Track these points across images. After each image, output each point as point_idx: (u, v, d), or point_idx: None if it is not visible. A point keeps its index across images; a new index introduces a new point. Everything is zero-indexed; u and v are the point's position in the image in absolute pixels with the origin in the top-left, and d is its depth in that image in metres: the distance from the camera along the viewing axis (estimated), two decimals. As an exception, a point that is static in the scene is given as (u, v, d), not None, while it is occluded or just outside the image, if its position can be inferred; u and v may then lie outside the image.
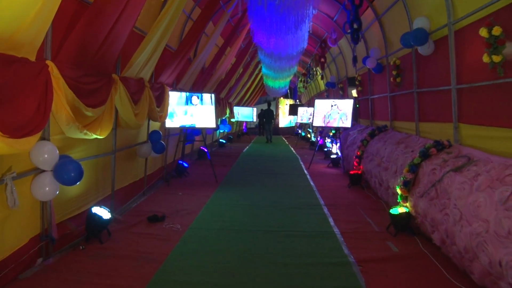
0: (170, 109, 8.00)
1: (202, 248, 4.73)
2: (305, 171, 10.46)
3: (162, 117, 7.16)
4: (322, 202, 7.05)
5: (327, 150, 13.11)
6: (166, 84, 7.54)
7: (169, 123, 8.23)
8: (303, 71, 21.28)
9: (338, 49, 12.85)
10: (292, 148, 17.25)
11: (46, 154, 3.65)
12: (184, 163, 9.32)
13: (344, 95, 13.62)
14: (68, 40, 3.89)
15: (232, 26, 11.23)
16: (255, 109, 23.28)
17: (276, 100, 33.95)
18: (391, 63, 7.54)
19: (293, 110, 25.64)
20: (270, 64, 15.96)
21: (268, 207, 6.66)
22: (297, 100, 32.50)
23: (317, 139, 16.70)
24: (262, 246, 4.85)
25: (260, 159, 13.15)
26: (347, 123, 10.23)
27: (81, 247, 4.47)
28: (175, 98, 8.23)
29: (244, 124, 25.83)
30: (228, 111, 16.91)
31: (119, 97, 5.19)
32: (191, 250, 4.65)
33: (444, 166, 4.56)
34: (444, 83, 5.55)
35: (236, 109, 21.02)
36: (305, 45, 11.78)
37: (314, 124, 11.16)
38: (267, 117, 20.58)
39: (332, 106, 10.57)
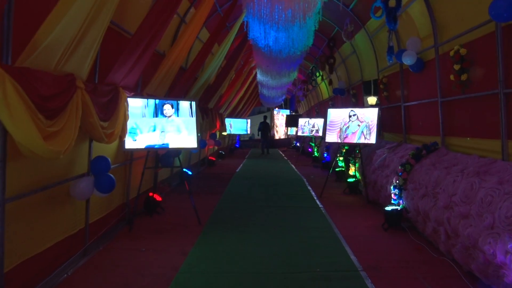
0: (130, 124, 5.58)
1: None
2: (317, 201, 8.02)
3: (112, 136, 4.69)
4: (356, 262, 4.61)
5: (339, 170, 10.72)
6: (122, 87, 5.13)
7: (130, 143, 5.79)
8: (303, 78, 18.99)
9: (352, 47, 10.54)
10: (293, 165, 14.83)
11: None
12: (155, 196, 6.86)
13: (358, 104, 11.29)
14: None
15: (221, 16, 8.89)
16: (249, 120, 20.88)
17: (271, 111, 31.76)
18: (451, 54, 5.19)
19: (291, 122, 23.51)
20: (267, 68, 13.69)
21: (278, 278, 4.19)
22: (293, 111, 30.32)
23: (322, 154, 14.34)
24: None
25: (258, 182, 10.60)
26: (372, 139, 7.86)
27: None
28: (138, 107, 5.81)
29: (237, 138, 23.39)
30: (219, 123, 14.48)
31: (6, 105, 2.78)
32: None
33: None
34: None
35: (228, 121, 18.61)
36: (311, 42, 9.52)
37: (327, 140, 8.72)
38: (264, 130, 20.47)
39: (350, 116, 8.19)
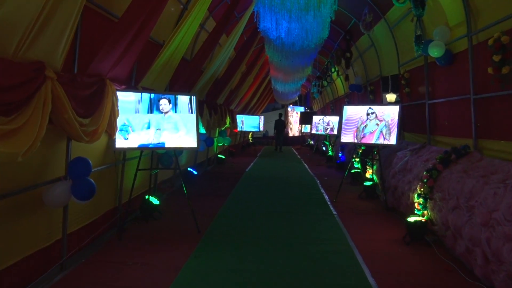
0: (121, 120, 4.99)
1: None
2: (331, 207, 7.33)
3: (94, 135, 4.11)
4: (375, 286, 3.93)
5: (355, 172, 9.99)
6: (111, 79, 4.54)
7: (121, 142, 5.20)
8: (317, 74, 18.21)
9: (370, 40, 9.78)
10: (306, 165, 14.11)
11: None
12: (153, 198, 6.27)
13: (376, 101, 10.52)
14: None
15: (228, 4, 8.24)
16: (262, 117, 20.20)
17: (285, 108, 31.01)
18: (490, 42, 4.44)
19: (305, 119, 22.81)
20: (280, 62, 12.98)
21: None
22: (307, 108, 29.53)
23: (337, 154, 13.61)
24: None
25: (267, 184, 9.92)
26: (392, 140, 7.12)
27: None
28: (131, 102, 5.21)
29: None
30: (229, 120, 13.86)
31: None
32: None
33: None
34: None
35: (240, 118, 17.99)
36: (326, 34, 8.79)
37: (342, 140, 8.00)
38: (279, 127, 20.23)
39: (368, 114, 7.46)
